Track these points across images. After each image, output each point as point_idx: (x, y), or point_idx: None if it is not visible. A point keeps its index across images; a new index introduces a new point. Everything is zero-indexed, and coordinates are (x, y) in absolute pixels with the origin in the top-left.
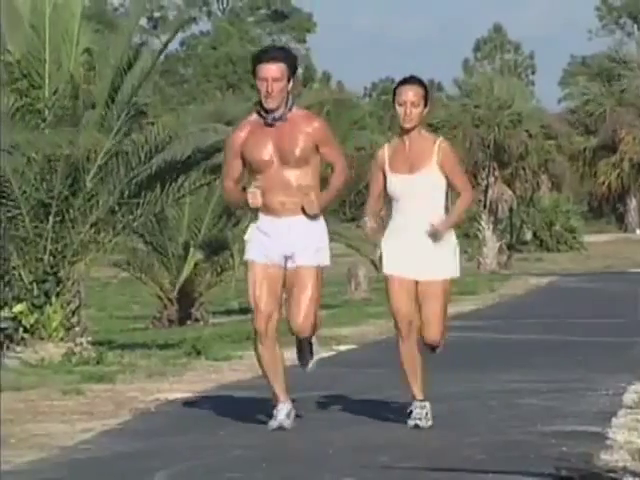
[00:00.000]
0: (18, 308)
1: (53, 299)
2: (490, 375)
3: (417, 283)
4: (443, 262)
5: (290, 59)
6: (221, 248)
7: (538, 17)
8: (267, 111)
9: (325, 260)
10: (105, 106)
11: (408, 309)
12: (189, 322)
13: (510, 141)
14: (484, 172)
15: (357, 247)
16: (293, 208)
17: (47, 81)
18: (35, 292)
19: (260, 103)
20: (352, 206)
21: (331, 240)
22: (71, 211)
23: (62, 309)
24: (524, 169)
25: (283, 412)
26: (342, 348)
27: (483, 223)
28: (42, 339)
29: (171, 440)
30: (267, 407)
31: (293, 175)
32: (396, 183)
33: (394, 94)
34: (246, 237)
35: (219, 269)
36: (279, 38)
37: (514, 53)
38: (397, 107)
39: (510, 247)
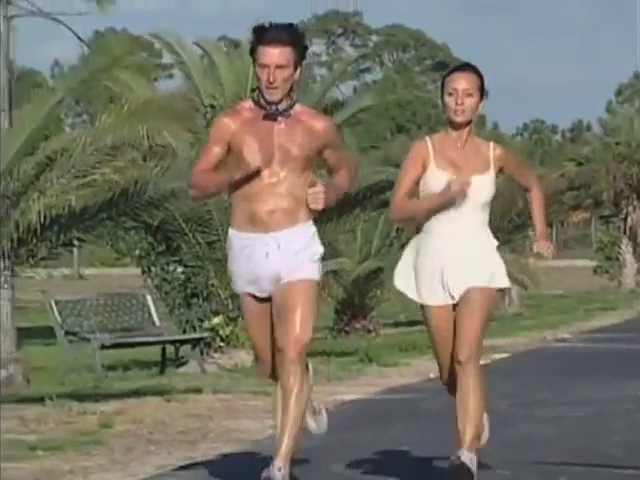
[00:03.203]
0: (216, 320)
1: None
2: (627, 382)
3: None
4: (487, 269)
5: (298, 41)
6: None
7: None
8: (268, 102)
9: (317, 273)
10: None
11: (449, 337)
12: (362, 333)
13: None
14: (624, 202)
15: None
16: (283, 219)
17: None
18: (230, 306)
19: (259, 90)
20: (503, 231)
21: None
22: None
23: None
24: None
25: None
26: (496, 356)
27: (623, 247)
28: (235, 347)
29: (347, 436)
30: (431, 407)
31: (288, 181)
32: (441, 182)
33: (442, 85)
34: (229, 266)
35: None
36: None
37: None
38: (446, 98)
39: None
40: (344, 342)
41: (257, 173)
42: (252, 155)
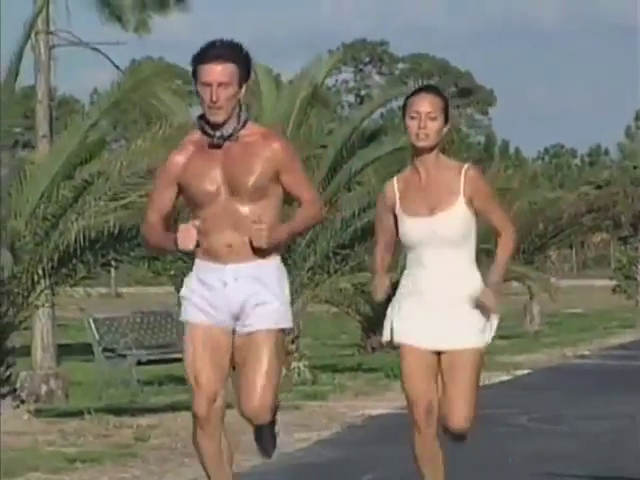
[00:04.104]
0: None
1: None
2: None
3: (439, 356)
4: (474, 327)
5: (242, 58)
6: None
7: None
8: (212, 126)
9: (285, 320)
10: (328, 173)
11: (427, 389)
12: (388, 349)
13: None
14: None
15: (531, 288)
16: (243, 252)
17: None
18: None
19: (203, 116)
20: (525, 252)
21: (508, 280)
22: (292, 256)
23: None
24: None
25: None
26: (518, 373)
27: None
28: None
29: (375, 449)
30: None
31: (246, 211)
32: (412, 228)
33: (404, 107)
34: (182, 292)
35: None
36: (465, 111)
37: None
38: (408, 121)
39: None
40: (371, 358)
41: (209, 209)
42: (182, 238)
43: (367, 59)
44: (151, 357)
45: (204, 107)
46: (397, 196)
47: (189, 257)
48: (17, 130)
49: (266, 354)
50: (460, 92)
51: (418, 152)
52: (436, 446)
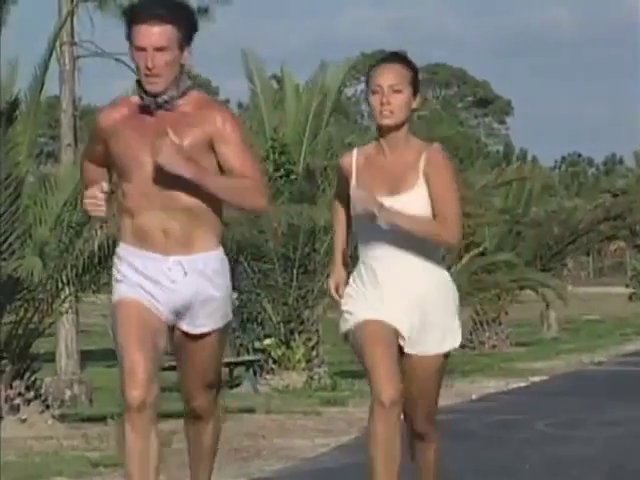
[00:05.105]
0: (267, 342)
1: (297, 336)
2: None
3: (401, 353)
4: (439, 330)
5: (182, 17)
6: None
7: None
8: (148, 95)
9: (228, 314)
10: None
11: (391, 356)
12: None
13: None
14: None
15: (546, 295)
16: (183, 240)
17: (302, 160)
18: (282, 330)
19: (140, 82)
20: (542, 258)
21: (525, 287)
22: (312, 264)
23: (304, 344)
24: None
25: None
26: (535, 379)
27: None
28: (287, 369)
29: None
30: (470, 428)
31: (180, 189)
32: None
33: (367, 81)
34: (114, 275)
35: None
36: (483, 121)
37: None
38: (370, 97)
39: None
40: None
41: (135, 182)
42: (90, 205)
43: None
44: (172, 363)
45: (139, 74)
46: (354, 168)
47: None
48: (42, 140)
49: (210, 353)
50: (478, 102)
51: (383, 131)
52: (397, 428)
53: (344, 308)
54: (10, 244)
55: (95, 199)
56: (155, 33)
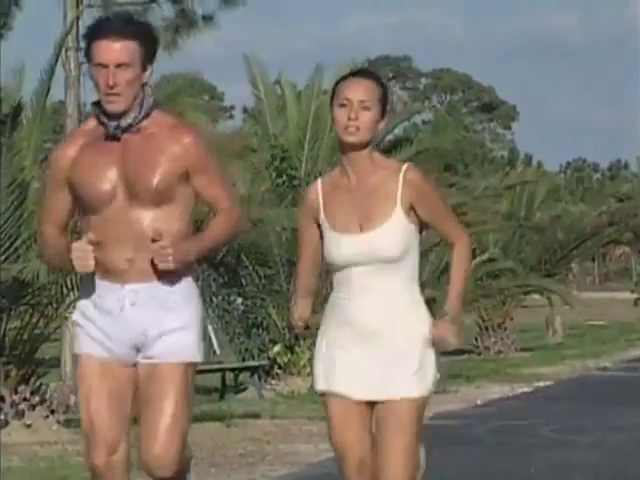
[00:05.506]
0: (276, 349)
1: (302, 342)
2: None
3: (373, 406)
4: (414, 373)
5: (145, 35)
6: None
7: None
8: (110, 116)
9: (194, 352)
10: None
11: (358, 442)
12: None
13: None
14: None
15: (551, 301)
16: (146, 269)
17: (304, 165)
18: (287, 336)
19: (98, 103)
20: (547, 264)
21: (531, 292)
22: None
23: (309, 350)
24: None
25: None
26: (540, 384)
27: None
28: (292, 374)
29: None
30: (475, 433)
31: (148, 218)
32: (339, 247)
33: (333, 94)
34: (75, 317)
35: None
36: (488, 126)
37: None
38: (336, 110)
39: None
40: None
41: (104, 212)
42: (79, 260)
43: (391, 74)
44: None
45: (99, 93)
46: (321, 203)
47: (217, 271)
48: (47, 145)
49: (172, 393)
50: (483, 107)
51: (346, 149)
52: None
53: (315, 366)
54: (16, 249)
55: (84, 252)
56: (116, 49)
